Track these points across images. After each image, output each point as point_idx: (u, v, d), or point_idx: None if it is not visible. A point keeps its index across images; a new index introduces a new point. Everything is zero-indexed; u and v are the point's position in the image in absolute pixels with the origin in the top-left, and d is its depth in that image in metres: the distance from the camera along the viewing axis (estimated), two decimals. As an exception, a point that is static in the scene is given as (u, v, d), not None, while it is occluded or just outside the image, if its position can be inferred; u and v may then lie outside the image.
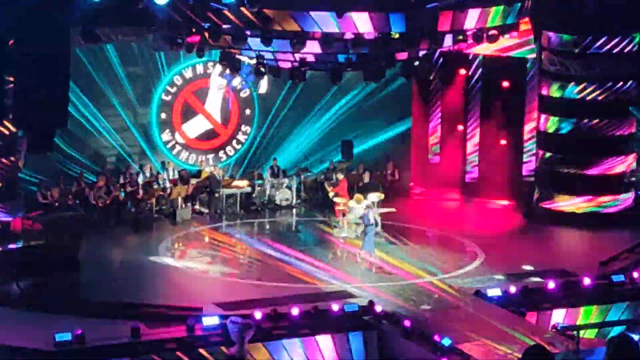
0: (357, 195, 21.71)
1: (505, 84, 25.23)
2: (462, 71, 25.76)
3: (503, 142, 25.63)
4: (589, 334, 16.74)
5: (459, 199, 25.93)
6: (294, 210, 24.65)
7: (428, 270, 19.33)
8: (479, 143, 26.23)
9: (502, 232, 22.99)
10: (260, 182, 25.37)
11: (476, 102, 26.05)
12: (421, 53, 20.89)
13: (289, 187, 25.16)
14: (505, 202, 25.22)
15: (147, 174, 24.64)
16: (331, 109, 26.93)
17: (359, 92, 26.44)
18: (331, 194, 23.59)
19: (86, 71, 23.65)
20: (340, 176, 23.93)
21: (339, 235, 21.64)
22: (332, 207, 23.32)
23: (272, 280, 18.38)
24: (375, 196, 22.53)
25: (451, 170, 26.25)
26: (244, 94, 26.51)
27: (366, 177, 25.54)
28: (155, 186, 23.97)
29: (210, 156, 26.47)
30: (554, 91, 23.27)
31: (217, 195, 24.29)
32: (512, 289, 17.55)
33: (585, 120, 23.08)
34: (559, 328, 16.31)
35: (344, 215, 22.00)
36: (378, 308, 16.28)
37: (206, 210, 24.41)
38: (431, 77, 25.67)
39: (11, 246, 18.42)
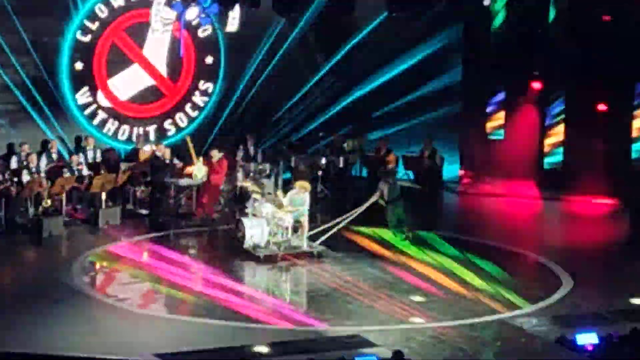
0: (301, 183, 21.95)
1: (607, 18, 25.29)
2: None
3: (602, 107, 25.77)
4: None
5: (533, 195, 26.10)
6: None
7: (486, 304, 19.20)
8: (564, 111, 26.31)
9: (599, 246, 23.02)
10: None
11: (560, 47, 26.21)
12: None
13: (271, 176, 24.91)
14: (604, 201, 25.35)
15: (54, 156, 24.70)
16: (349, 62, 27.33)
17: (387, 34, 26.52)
18: (199, 172, 23.97)
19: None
20: (217, 154, 23.96)
21: (300, 247, 21.56)
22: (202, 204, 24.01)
23: (243, 319, 18.15)
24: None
25: (522, 152, 26.50)
26: (204, 32, 26.59)
27: (392, 161, 25.73)
28: (67, 174, 23.98)
29: (152, 128, 26.60)
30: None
31: (163, 188, 24.34)
32: (615, 335, 16.84)
33: None
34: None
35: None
36: (409, 363, 16.18)
37: (145, 212, 24.42)
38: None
39: None
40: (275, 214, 21.43)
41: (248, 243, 21.46)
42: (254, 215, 21.65)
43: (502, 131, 27.26)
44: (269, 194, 22.16)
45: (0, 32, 24.67)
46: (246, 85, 27.20)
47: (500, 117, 27.33)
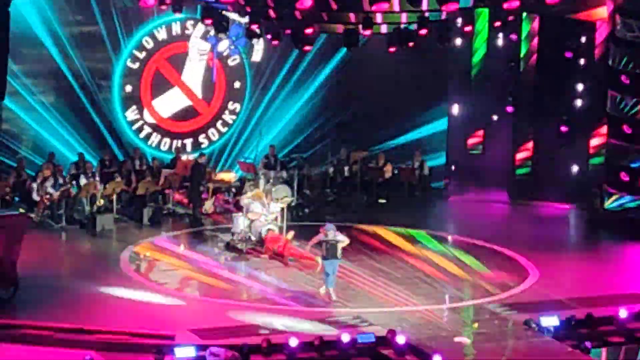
0: (258, 191, 21.61)
1: (568, 54, 25.23)
2: (512, 37, 25.97)
3: (564, 128, 25.57)
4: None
5: (505, 200, 25.98)
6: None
7: (465, 292, 19.20)
8: (532, 130, 26.15)
9: (560, 244, 22.89)
10: (251, 175, 24.95)
11: (530, 77, 26.03)
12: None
13: (288, 182, 24.57)
14: (565, 206, 25.28)
15: (106, 163, 24.73)
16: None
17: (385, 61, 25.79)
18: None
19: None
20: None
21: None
22: None
23: (265, 302, 18.19)
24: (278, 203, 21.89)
25: (496, 164, 26.30)
26: (233, 61, 26.61)
27: (388, 171, 25.60)
28: (118, 179, 23.97)
29: (188, 141, 26.59)
30: (630, 65, 23.12)
31: (199, 189, 24.19)
32: (573, 318, 17.23)
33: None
34: (633, 369, 16.15)
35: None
36: (400, 339, 15.95)
37: (182, 211, 24.23)
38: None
39: None
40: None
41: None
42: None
43: (480, 147, 27.02)
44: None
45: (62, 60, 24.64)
46: (267, 103, 27.17)
47: (479, 135, 27.10)
